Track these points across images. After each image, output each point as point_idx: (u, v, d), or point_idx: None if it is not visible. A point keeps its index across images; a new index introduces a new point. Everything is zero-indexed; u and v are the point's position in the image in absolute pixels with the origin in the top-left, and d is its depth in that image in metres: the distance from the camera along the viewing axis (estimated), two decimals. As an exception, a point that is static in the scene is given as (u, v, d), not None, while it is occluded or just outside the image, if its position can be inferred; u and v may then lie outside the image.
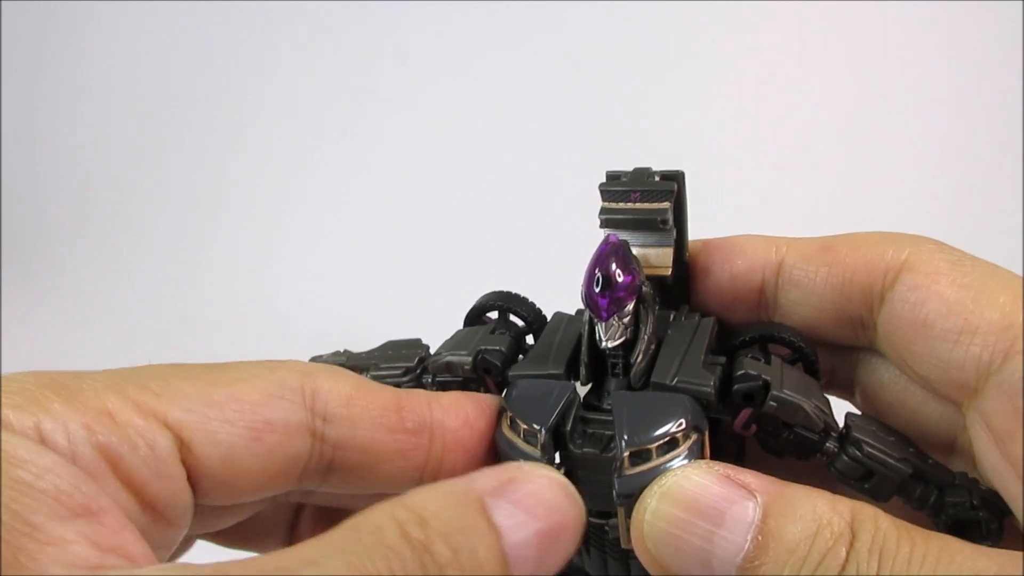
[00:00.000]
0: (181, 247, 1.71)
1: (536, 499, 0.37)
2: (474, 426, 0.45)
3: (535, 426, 0.42)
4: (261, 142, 1.71)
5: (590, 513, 0.41)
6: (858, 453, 0.44)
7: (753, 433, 0.45)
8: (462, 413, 0.44)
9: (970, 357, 0.42)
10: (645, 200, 0.47)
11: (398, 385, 0.52)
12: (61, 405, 0.35)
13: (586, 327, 0.45)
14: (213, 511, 0.42)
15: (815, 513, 0.36)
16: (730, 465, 0.39)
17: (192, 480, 0.38)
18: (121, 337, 1.55)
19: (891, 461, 0.44)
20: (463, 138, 1.60)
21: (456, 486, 0.37)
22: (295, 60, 1.71)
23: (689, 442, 0.41)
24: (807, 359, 0.48)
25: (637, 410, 0.41)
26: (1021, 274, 0.43)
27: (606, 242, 0.44)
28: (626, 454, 0.40)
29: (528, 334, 0.52)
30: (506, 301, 0.53)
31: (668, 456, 0.40)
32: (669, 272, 0.48)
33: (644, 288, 0.44)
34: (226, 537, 0.48)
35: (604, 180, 0.49)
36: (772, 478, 0.38)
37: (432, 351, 0.53)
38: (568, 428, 0.43)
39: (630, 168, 0.49)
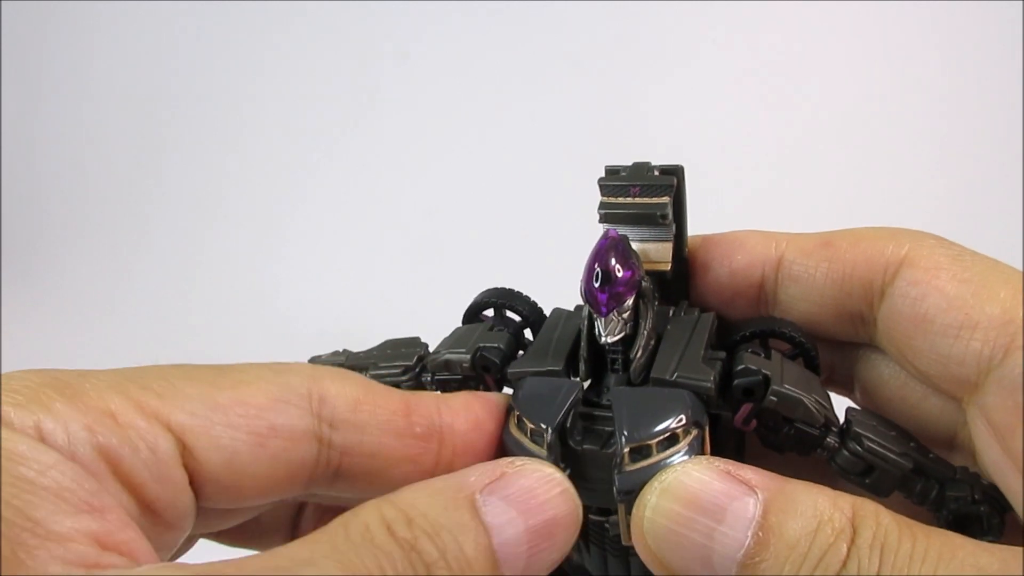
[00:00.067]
0: (181, 247, 1.71)
1: (528, 495, 0.37)
2: (484, 428, 0.44)
3: (542, 425, 0.42)
4: (261, 142, 1.71)
5: (590, 510, 0.41)
6: (859, 448, 0.44)
7: (753, 428, 0.45)
8: (472, 415, 0.44)
9: (970, 352, 0.41)
10: (644, 195, 0.47)
11: (397, 384, 0.51)
12: (63, 404, 0.35)
13: (585, 322, 0.45)
14: (217, 513, 0.41)
15: (816, 509, 0.36)
16: (731, 461, 0.39)
17: (195, 484, 0.38)
18: (121, 337, 1.55)
19: (892, 456, 0.44)
20: (463, 138, 1.60)
21: (446, 483, 0.37)
22: (295, 60, 1.71)
23: (689, 438, 0.40)
24: (807, 354, 0.48)
25: (637, 406, 0.41)
26: (1022, 269, 0.43)
27: (605, 237, 0.44)
28: (626, 450, 0.39)
29: (526, 329, 0.52)
30: (503, 297, 0.52)
31: (668, 452, 0.40)
32: (668, 267, 0.48)
33: (644, 283, 0.44)
34: (228, 536, 0.48)
35: (603, 175, 0.49)
36: (773, 474, 0.38)
37: (431, 349, 0.53)
38: (568, 425, 0.42)
39: (629, 163, 0.49)
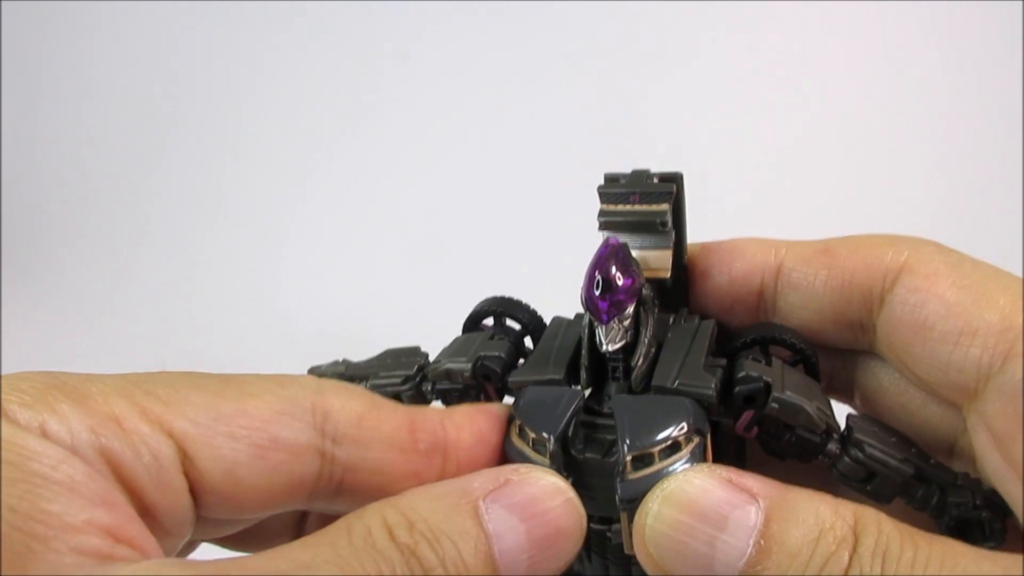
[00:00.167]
0: (181, 247, 1.71)
1: (531, 504, 0.37)
2: (487, 441, 0.44)
3: (544, 435, 0.42)
4: (261, 142, 1.71)
5: (592, 519, 0.41)
6: (860, 454, 0.44)
7: (755, 435, 0.45)
8: (475, 429, 0.44)
9: (970, 359, 0.42)
10: (644, 202, 0.47)
11: (397, 394, 0.51)
12: (68, 406, 0.35)
13: (586, 330, 0.45)
14: (215, 522, 0.41)
15: (818, 517, 0.36)
16: (732, 469, 0.39)
17: (194, 493, 0.38)
18: (121, 337, 1.55)
19: (893, 462, 0.44)
20: (463, 138, 1.60)
21: (450, 488, 0.37)
22: (295, 60, 1.70)
23: (691, 445, 0.40)
24: (808, 361, 0.48)
25: (639, 414, 0.41)
26: (1022, 275, 0.43)
27: (606, 244, 0.44)
28: (628, 458, 0.39)
29: (526, 337, 0.52)
30: (503, 306, 0.52)
31: (670, 460, 0.40)
32: (668, 275, 0.48)
33: (644, 291, 0.44)
34: (230, 541, 0.48)
35: (602, 182, 0.49)
36: (774, 482, 0.38)
37: (431, 358, 0.53)
38: (570, 433, 0.42)
39: (629, 170, 0.49)
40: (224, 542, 0.48)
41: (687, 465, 0.40)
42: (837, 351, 0.51)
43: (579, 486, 0.40)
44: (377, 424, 0.42)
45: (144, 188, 1.77)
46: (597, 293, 0.43)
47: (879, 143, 1.44)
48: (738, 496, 0.37)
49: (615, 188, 0.48)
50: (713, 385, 0.42)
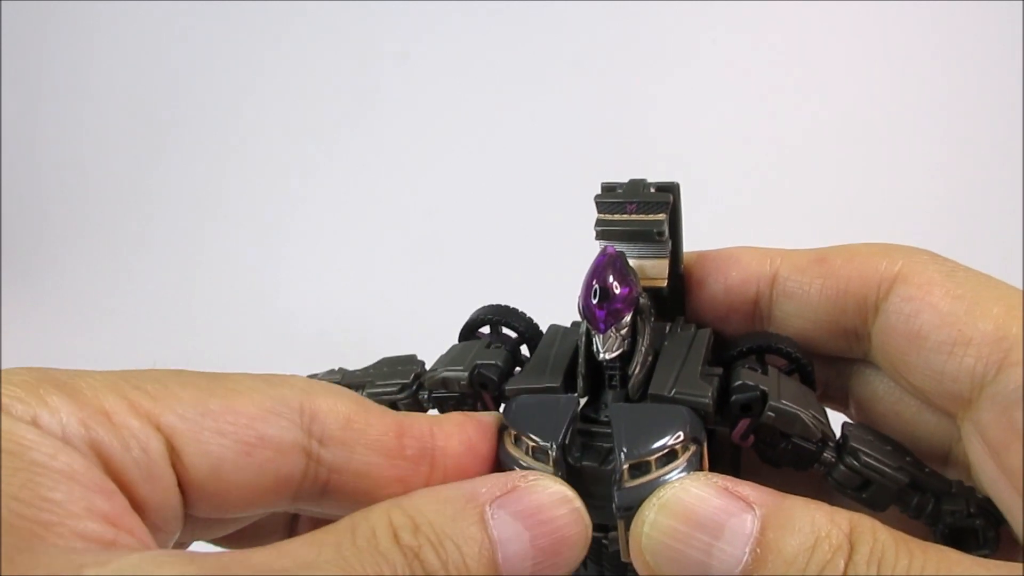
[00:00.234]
0: (181, 247, 1.71)
1: (537, 511, 0.37)
2: (477, 451, 0.44)
3: (546, 443, 0.42)
4: (261, 142, 1.71)
5: None
6: (855, 463, 0.44)
7: (751, 444, 0.45)
8: (465, 438, 0.43)
9: (964, 368, 0.42)
10: (641, 212, 0.47)
11: (393, 402, 0.51)
12: (59, 400, 0.35)
13: (583, 339, 0.45)
14: (203, 523, 0.41)
15: (813, 525, 0.36)
16: (728, 477, 0.39)
17: (181, 489, 0.38)
18: (121, 337, 1.55)
19: (888, 470, 0.44)
20: (463, 138, 1.60)
21: (457, 491, 0.37)
22: (295, 60, 1.71)
23: (688, 454, 0.41)
24: (803, 370, 0.48)
25: (636, 422, 0.41)
26: (1022, 279, 0.44)
27: (603, 253, 0.44)
28: (625, 466, 0.39)
29: (522, 345, 0.52)
30: (499, 314, 0.52)
31: (667, 468, 0.40)
32: (665, 283, 0.48)
33: (641, 300, 0.44)
34: (223, 542, 0.48)
35: (599, 191, 0.49)
36: (770, 490, 0.38)
37: (427, 367, 0.53)
38: (567, 441, 0.42)
39: (627, 177, 0.49)
40: (216, 542, 0.48)
41: (684, 473, 0.40)
42: (832, 359, 0.51)
43: (576, 493, 0.41)
44: (364, 427, 0.41)
45: (144, 188, 1.77)
46: (594, 302, 0.43)
47: (879, 144, 1.44)
48: (734, 504, 0.38)
49: (612, 197, 0.48)
50: (710, 394, 0.43)
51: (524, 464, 0.42)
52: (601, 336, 0.44)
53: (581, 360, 0.45)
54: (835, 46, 1.49)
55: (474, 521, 0.36)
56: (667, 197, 0.47)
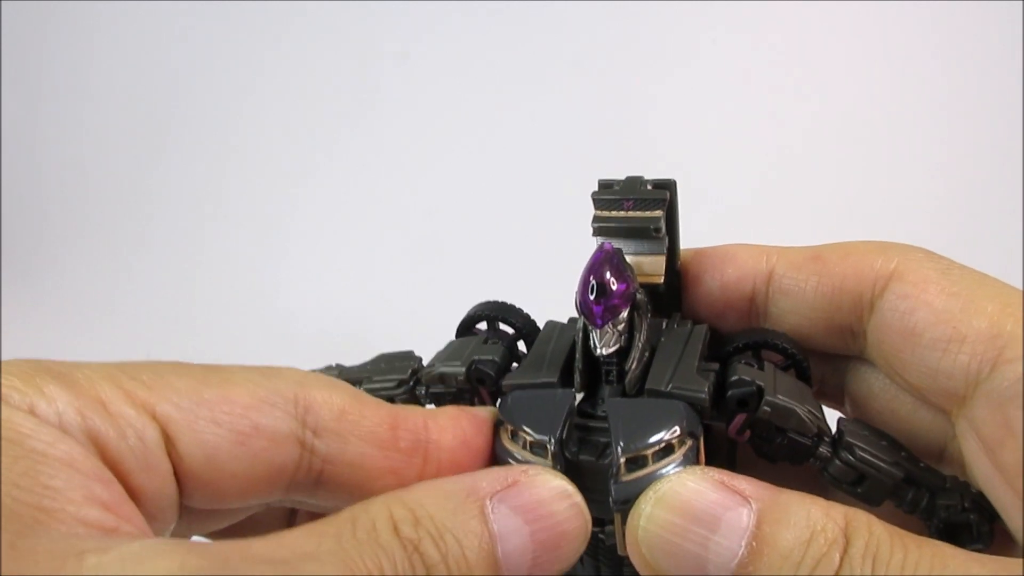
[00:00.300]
0: (181, 247, 1.71)
1: (537, 506, 0.38)
2: (471, 444, 0.44)
3: (543, 437, 0.42)
4: (261, 142, 1.71)
5: None
6: (851, 457, 0.44)
7: (747, 438, 0.45)
8: (459, 432, 0.44)
9: (958, 366, 0.42)
10: (638, 208, 0.47)
11: (391, 397, 0.52)
12: (56, 389, 0.35)
13: (580, 334, 0.45)
14: (202, 513, 0.41)
15: (809, 519, 0.37)
16: (725, 471, 0.39)
17: (176, 478, 0.38)
18: (121, 337, 1.55)
19: (883, 465, 0.44)
20: (463, 138, 1.60)
21: (457, 485, 0.37)
22: (295, 60, 1.71)
23: (684, 448, 0.41)
24: (799, 365, 0.48)
25: (633, 416, 0.41)
26: (1021, 278, 0.44)
27: (600, 249, 0.45)
28: (622, 460, 0.40)
29: (519, 341, 0.53)
30: (496, 311, 0.53)
31: (664, 462, 0.40)
32: (661, 280, 0.48)
33: (638, 296, 0.44)
34: (220, 535, 0.48)
35: (596, 189, 0.49)
36: (766, 484, 0.39)
37: (425, 362, 0.53)
38: (564, 435, 0.43)
39: (624, 175, 0.49)
40: (213, 536, 0.48)
41: (680, 467, 0.40)
42: (828, 357, 0.51)
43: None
44: (359, 419, 0.42)
45: (144, 188, 1.77)
46: (592, 297, 0.43)
47: (879, 144, 1.44)
48: (731, 498, 0.38)
49: (609, 194, 0.48)
50: (707, 388, 0.43)
51: (520, 458, 0.42)
52: (598, 332, 0.44)
53: (578, 355, 0.45)
54: (835, 46, 1.49)
55: (474, 515, 0.36)
56: (664, 194, 0.47)
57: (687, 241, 0.51)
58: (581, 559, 0.46)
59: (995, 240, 1.32)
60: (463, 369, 0.49)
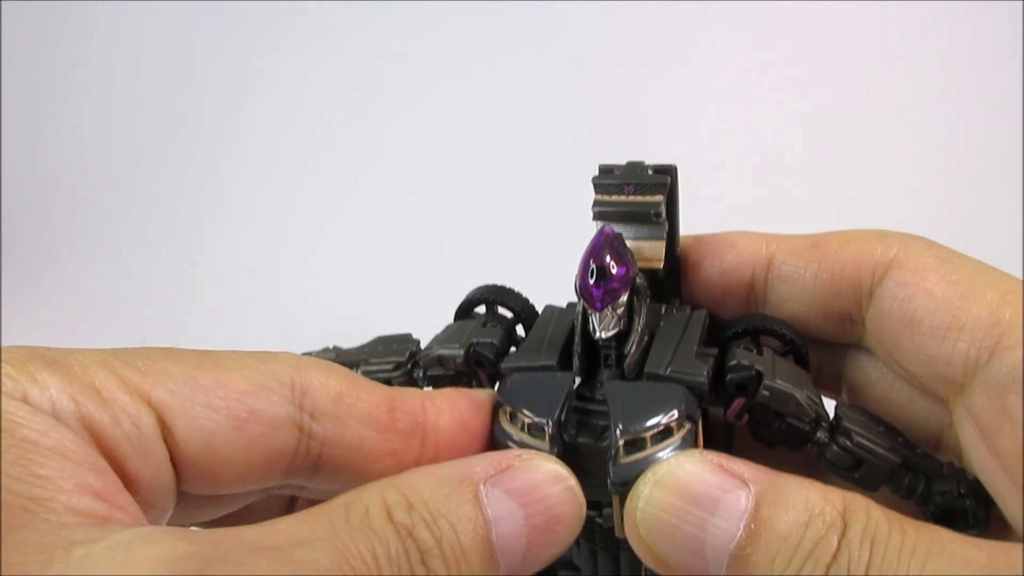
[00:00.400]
0: (182, 247, 1.71)
1: (531, 489, 0.38)
2: (469, 426, 0.44)
3: (542, 419, 0.42)
4: (261, 142, 1.71)
5: None
6: (848, 443, 0.44)
7: (745, 423, 0.46)
8: (457, 413, 0.44)
9: (957, 353, 0.42)
10: (638, 193, 0.47)
11: (388, 380, 0.52)
12: (49, 376, 0.35)
13: (579, 318, 0.45)
14: (199, 501, 0.41)
15: (807, 503, 0.37)
16: (723, 454, 0.40)
17: (173, 464, 0.38)
18: (121, 337, 1.54)
19: (880, 451, 0.44)
20: (463, 138, 1.60)
21: (451, 471, 0.37)
22: (295, 60, 1.71)
23: (683, 431, 0.41)
24: (798, 351, 0.48)
25: (631, 399, 0.42)
26: (1021, 272, 0.44)
27: (601, 233, 0.45)
28: (621, 442, 0.40)
29: (518, 325, 0.53)
30: (495, 294, 0.53)
31: (662, 445, 0.40)
32: (661, 265, 0.48)
33: (638, 280, 0.45)
34: (218, 525, 0.48)
35: (597, 174, 0.49)
36: (765, 468, 0.39)
37: (423, 346, 0.53)
38: (563, 418, 0.43)
39: (623, 162, 0.49)
40: (211, 526, 0.47)
41: (678, 450, 0.40)
42: (826, 345, 0.51)
43: (571, 471, 0.41)
44: (356, 401, 0.42)
45: (144, 188, 1.77)
46: (591, 281, 0.43)
47: (878, 144, 1.44)
48: (729, 481, 0.38)
49: (610, 179, 0.48)
50: (705, 372, 0.43)
51: (519, 440, 0.42)
52: (597, 315, 0.44)
53: (577, 339, 0.45)
54: (835, 46, 1.49)
55: (468, 499, 0.36)
56: (665, 179, 0.47)
57: (691, 231, 0.51)
58: (577, 543, 0.46)
59: (996, 242, 1.32)
60: (462, 352, 0.49)
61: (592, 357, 0.46)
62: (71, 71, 1.85)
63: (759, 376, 0.44)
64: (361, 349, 0.55)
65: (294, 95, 1.70)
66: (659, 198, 0.47)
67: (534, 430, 0.42)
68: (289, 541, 0.32)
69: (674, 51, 1.54)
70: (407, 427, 0.42)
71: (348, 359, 0.54)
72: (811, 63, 1.48)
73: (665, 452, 0.40)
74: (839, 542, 0.36)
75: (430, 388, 0.52)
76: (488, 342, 0.49)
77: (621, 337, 0.44)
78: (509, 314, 0.53)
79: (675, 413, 0.41)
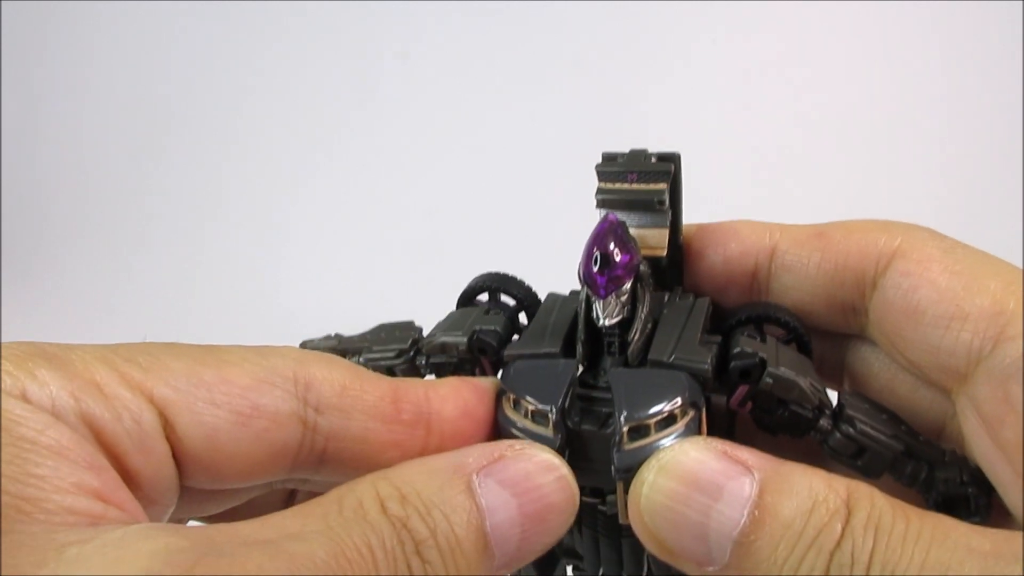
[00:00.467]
0: (182, 247, 1.71)
1: (524, 479, 0.38)
2: (473, 414, 0.44)
3: (546, 406, 0.42)
4: (261, 142, 1.71)
5: (583, 492, 0.42)
6: (851, 430, 0.44)
7: (748, 410, 0.45)
8: (460, 402, 0.44)
9: (960, 343, 0.42)
10: (642, 181, 0.47)
11: (391, 368, 0.51)
12: (49, 372, 0.35)
13: (583, 305, 0.45)
14: (202, 495, 0.41)
15: (811, 490, 0.37)
16: (727, 441, 0.39)
17: (176, 460, 0.38)
18: (121, 337, 1.54)
19: (883, 438, 0.44)
20: (463, 137, 1.60)
21: (444, 462, 0.37)
22: (295, 60, 1.71)
23: (687, 418, 0.41)
24: (801, 339, 0.48)
25: (635, 386, 0.41)
26: (1021, 267, 0.44)
27: (605, 220, 0.45)
28: (625, 429, 0.40)
29: (520, 312, 0.53)
30: (498, 282, 0.53)
31: (666, 432, 0.40)
32: (664, 253, 0.48)
33: (642, 267, 0.44)
34: (219, 519, 0.48)
35: (600, 161, 0.49)
36: (769, 455, 0.39)
37: (425, 333, 0.53)
38: (567, 405, 0.43)
39: (627, 150, 0.49)
40: (212, 520, 0.47)
41: (683, 437, 0.40)
42: (828, 335, 0.51)
43: (574, 457, 0.41)
44: (360, 394, 0.41)
45: (144, 187, 1.77)
46: (595, 268, 0.43)
47: (878, 144, 1.44)
48: (733, 467, 0.38)
49: (613, 167, 0.48)
50: (709, 360, 0.43)
51: (522, 428, 0.42)
52: (601, 302, 0.44)
53: (581, 326, 0.45)
54: (835, 46, 1.49)
55: (461, 490, 0.36)
56: (668, 167, 0.47)
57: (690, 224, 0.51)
58: (580, 530, 0.46)
59: (996, 243, 1.31)
60: (465, 339, 0.49)
61: (595, 344, 0.46)
62: (71, 71, 1.86)
63: (763, 363, 0.44)
64: (363, 336, 0.55)
65: (294, 95, 1.71)
66: (663, 186, 0.47)
67: (538, 417, 0.42)
68: (283, 535, 0.32)
69: (674, 51, 1.55)
70: (412, 417, 0.42)
71: (350, 346, 0.54)
72: (811, 62, 1.49)
73: (669, 439, 0.40)
74: (843, 529, 0.36)
75: (433, 375, 0.52)
76: (491, 329, 0.49)
77: (625, 324, 0.44)
78: (512, 302, 0.53)
79: (679, 400, 0.41)
